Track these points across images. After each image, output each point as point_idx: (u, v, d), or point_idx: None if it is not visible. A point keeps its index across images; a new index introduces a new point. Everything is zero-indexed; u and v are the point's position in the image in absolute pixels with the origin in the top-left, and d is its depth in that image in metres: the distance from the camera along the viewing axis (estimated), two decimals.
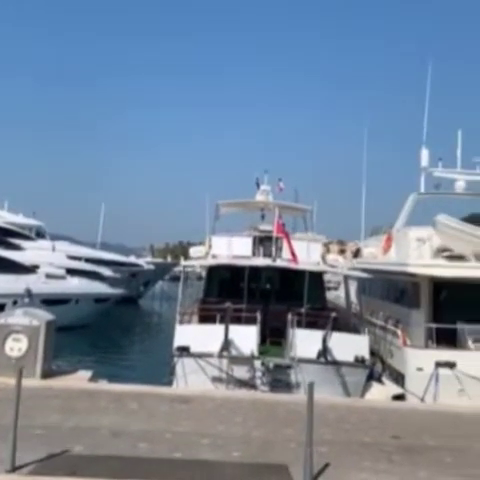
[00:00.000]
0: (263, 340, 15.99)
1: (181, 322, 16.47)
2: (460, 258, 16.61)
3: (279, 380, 14.53)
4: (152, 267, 54.30)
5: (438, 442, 9.69)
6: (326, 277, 28.28)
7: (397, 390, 15.48)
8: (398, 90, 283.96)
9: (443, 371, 14.55)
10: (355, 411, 11.58)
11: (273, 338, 16.50)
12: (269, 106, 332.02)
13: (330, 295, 27.21)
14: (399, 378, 16.03)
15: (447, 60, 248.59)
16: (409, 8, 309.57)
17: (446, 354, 14.92)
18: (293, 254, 17.15)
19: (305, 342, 14.55)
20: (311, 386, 7.58)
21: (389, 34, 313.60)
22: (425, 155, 22.28)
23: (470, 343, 15.64)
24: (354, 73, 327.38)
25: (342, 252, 56.86)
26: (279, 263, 17.45)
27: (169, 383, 14.99)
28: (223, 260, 18.55)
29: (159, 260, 73.01)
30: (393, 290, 20.09)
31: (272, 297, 18.73)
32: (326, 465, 7.98)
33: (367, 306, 20.13)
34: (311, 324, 15.31)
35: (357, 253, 28.04)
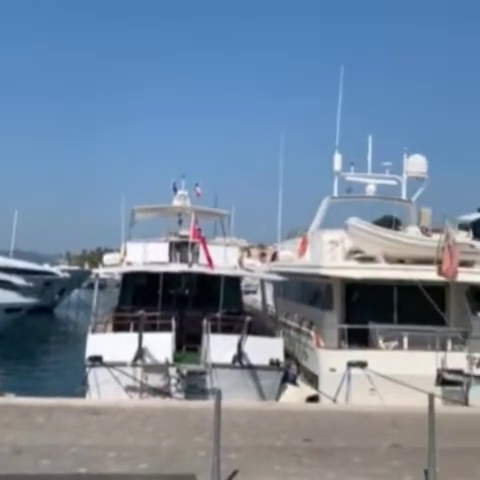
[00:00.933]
0: (179, 347, 15.79)
1: (94, 331, 16.04)
2: (370, 259, 17.05)
3: (194, 386, 14.38)
4: (68, 275, 52.80)
5: (348, 442, 9.85)
6: (246, 281, 28.42)
7: (311, 391, 15.65)
8: (315, 96, 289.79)
9: (355, 371, 14.82)
10: (267, 415, 11.61)
11: (189, 344, 16.29)
12: (186, 114, 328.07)
13: (249, 299, 27.33)
14: (313, 379, 16.22)
15: (360, 66, 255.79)
16: (326, 18, 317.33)
17: (358, 354, 15.21)
18: (209, 259, 17.05)
19: (220, 347, 14.48)
20: (219, 394, 7.51)
21: (309, 41, 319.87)
22: (338, 160, 22.73)
23: (381, 343, 16.04)
24: (273, 80, 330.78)
25: (263, 256, 57.31)
26: (195, 268, 17.27)
27: (82, 394, 14.52)
28: (137, 267, 18.20)
29: (75, 267, 71.20)
30: (307, 292, 20.37)
31: (189, 303, 18.51)
32: (235, 472, 7.92)
33: (283, 309, 20.31)
34: (226, 329, 15.25)
35: (275, 256, 28.30)
